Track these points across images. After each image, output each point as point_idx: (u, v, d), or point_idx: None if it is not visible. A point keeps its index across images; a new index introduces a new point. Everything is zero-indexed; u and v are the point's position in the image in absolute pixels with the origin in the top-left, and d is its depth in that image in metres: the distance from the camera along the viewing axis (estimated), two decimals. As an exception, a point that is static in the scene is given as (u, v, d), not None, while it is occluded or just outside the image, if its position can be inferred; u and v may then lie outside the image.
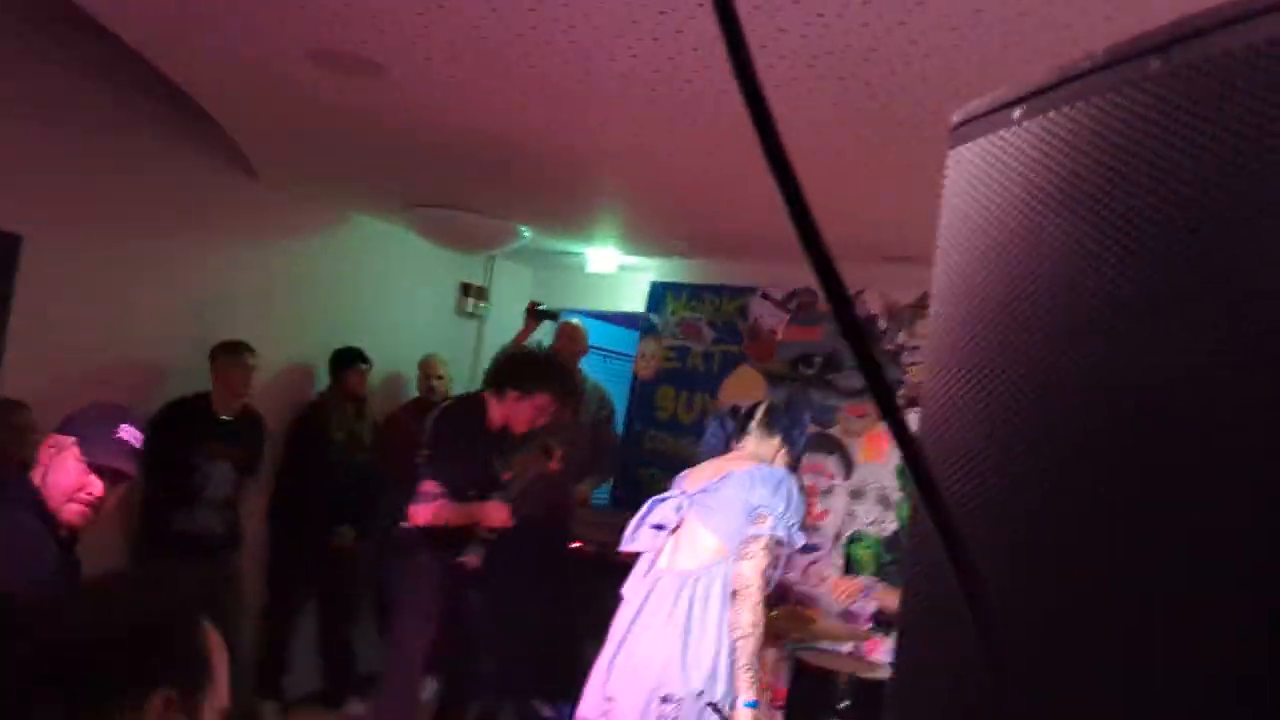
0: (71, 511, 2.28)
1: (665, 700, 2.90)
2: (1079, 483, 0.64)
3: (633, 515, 3.39)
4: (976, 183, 0.77)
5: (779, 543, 3.02)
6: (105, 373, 4.35)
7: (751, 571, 2.95)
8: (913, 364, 4.67)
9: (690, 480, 3.30)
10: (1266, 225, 0.56)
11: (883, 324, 4.82)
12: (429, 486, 3.78)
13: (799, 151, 3.07)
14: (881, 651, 4.34)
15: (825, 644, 4.13)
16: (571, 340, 5.54)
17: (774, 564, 3.04)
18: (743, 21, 0.46)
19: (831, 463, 4.85)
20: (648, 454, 5.57)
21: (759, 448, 3.28)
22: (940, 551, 0.54)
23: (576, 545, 4.94)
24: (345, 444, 5.16)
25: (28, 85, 3.93)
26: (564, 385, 4.06)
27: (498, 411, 3.99)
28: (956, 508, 0.72)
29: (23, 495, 2.25)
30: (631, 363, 5.94)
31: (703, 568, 3.03)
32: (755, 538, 2.98)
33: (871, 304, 4.87)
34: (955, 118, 0.81)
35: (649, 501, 3.37)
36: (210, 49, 3.01)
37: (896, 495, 4.62)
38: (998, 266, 0.75)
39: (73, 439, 2.30)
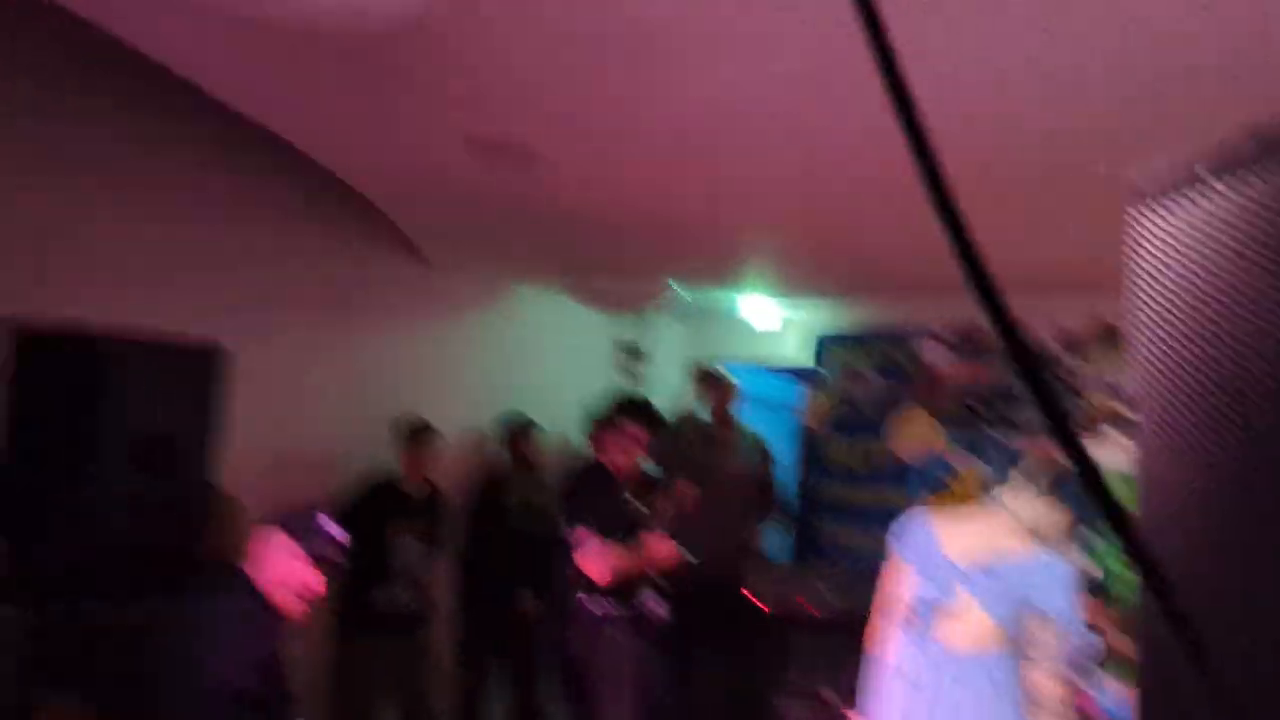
0: (285, 601, 2.46)
1: None
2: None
3: (814, 570, 3.29)
4: (1162, 243, 0.75)
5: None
6: (304, 457, 4.63)
7: (1051, 684, 2.72)
8: (1089, 392, 4.47)
9: (953, 544, 2.85)
10: None
11: (1060, 355, 4.64)
12: (581, 532, 3.88)
13: (966, 184, 3.01)
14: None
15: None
16: (711, 388, 5.45)
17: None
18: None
19: (1016, 503, 4.65)
20: (823, 505, 5.48)
21: (1038, 518, 2.75)
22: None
23: (757, 603, 4.88)
24: (522, 511, 5.28)
25: (216, 201, 4.29)
26: (637, 407, 4.40)
27: (606, 459, 4.22)
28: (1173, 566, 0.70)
29: (246, 585, 2.44)
30: (795, 413, 5.88)
31: (985, 654, 2.74)
32: (1046, 645, 2.70)
33: (1042, 332, 4.69)
34: (1138, 180, 0.79)
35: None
36: (374, 148, 3.22)
37: (1097, 542, 4.39)
38: (1198, 324, 0.72)
39: (284, 534, 2.48)
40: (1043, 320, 4.67)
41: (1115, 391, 4.38)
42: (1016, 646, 2.73)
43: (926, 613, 2.82)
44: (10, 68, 3.33)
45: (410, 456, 4.77)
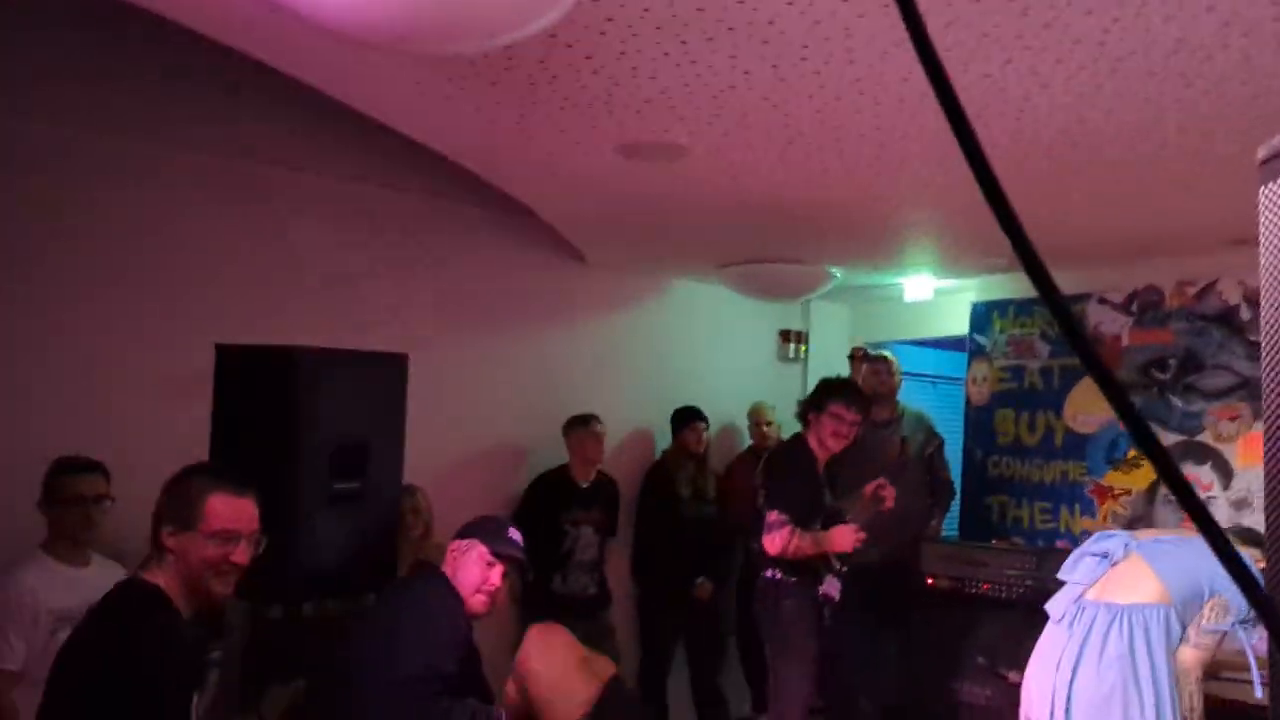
0: (477, 602, 2.72)
1: None
2: None
3: (983, 545, 3.31)
4: (1294, 218, 0.77)
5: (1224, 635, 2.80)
6: (480, 457, 4.90)
7: (1195, 662, 2.76)
8: None
9: (1140, 533, 3.16)
10: None
11: (1245, 313, 4.38)
12: (774, 516, 3.94)
13: (1119, 149, 2.91)
14: None
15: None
16: (874, 375, 5.37)
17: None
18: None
19: (1205, 472, 4.44)
20: (993, 481, 5.36)
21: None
22: None
23: (930, 581, 4.83)
24: (691, 499, 5.40)
25: (391, 219, 4.58)
26: (848, 391, 4.25)
27: (814, 441, 4.15)
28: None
29: (443, 583, 2.67)
30: (960, 387, 5.76)
31: (1138, 606, 2.82)
32: (1215, 632, 2.75)
33: (1228, 293, 4.44)
34: (1262, 153, 0.80)
35: (1095, 535, 3.23)
36: (529, 159, 3.37)
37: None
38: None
39: (475, 541, 2.70)
40: (1231, 280, 4.43)
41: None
42: (1181, 609, 2.76)
43: (1095, 567, 2.97)
44: (216, 113, 3.67)
45: (580, 449, 4.96)
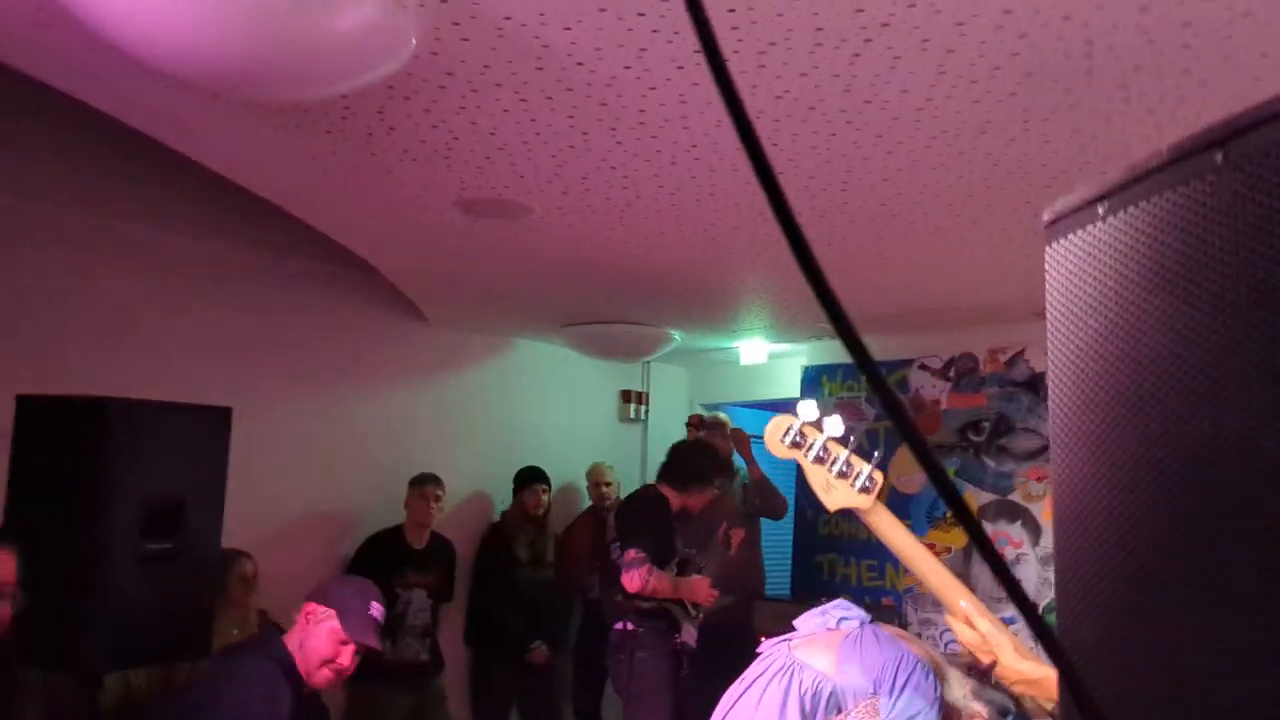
0: (321, 678, 2.58)
1: None
2: (1197, 558, 0.67)
3: (811, 604, 3.35)
4: (1072, 276, 0.83)
5: None
6: (312, 516, 4.71)
7: None
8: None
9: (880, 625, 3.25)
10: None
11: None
12: (632, 554, 4.06)
13: (939, 224, 3.09)
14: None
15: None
16: (713, 438, 5.56)
17: None
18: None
19: (1016, 530, 4.70)
20: (823, 540, 5.52)
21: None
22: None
23: (762, 638, 4.90)
24: (529, 562, 5.33)
25: (222, 269, 4.40)
26: (728, 470, 4.83)
27: (676, 500, 4.41)
28: (1091, 589, 0.76)
29: (278, 654, 2.52)
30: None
31: (808, 666, 2.83)
32: None
33: (1034, 360, 4.76)
34: (1046, 216, 0.87)
35: (839, 602, 3.24)
36: (369, 211, 3.32)
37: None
38: (1101, 355, 0.80)
39: (332, 612, 2.55)
40: (1038, 350, 4.75)
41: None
42: (839, 692, 2.78)
43: (816, 625, 3.10)
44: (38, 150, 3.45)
45: (415, 509, 4.83)
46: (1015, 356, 4.84)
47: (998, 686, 2.05)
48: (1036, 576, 4.60)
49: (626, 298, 4.59)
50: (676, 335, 5.32)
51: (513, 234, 3.49)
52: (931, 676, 2.48)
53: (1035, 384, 4.75)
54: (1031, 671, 1.41)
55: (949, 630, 4.87)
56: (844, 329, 0.52)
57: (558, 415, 6.04)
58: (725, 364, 6.26)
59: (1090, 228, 0.81)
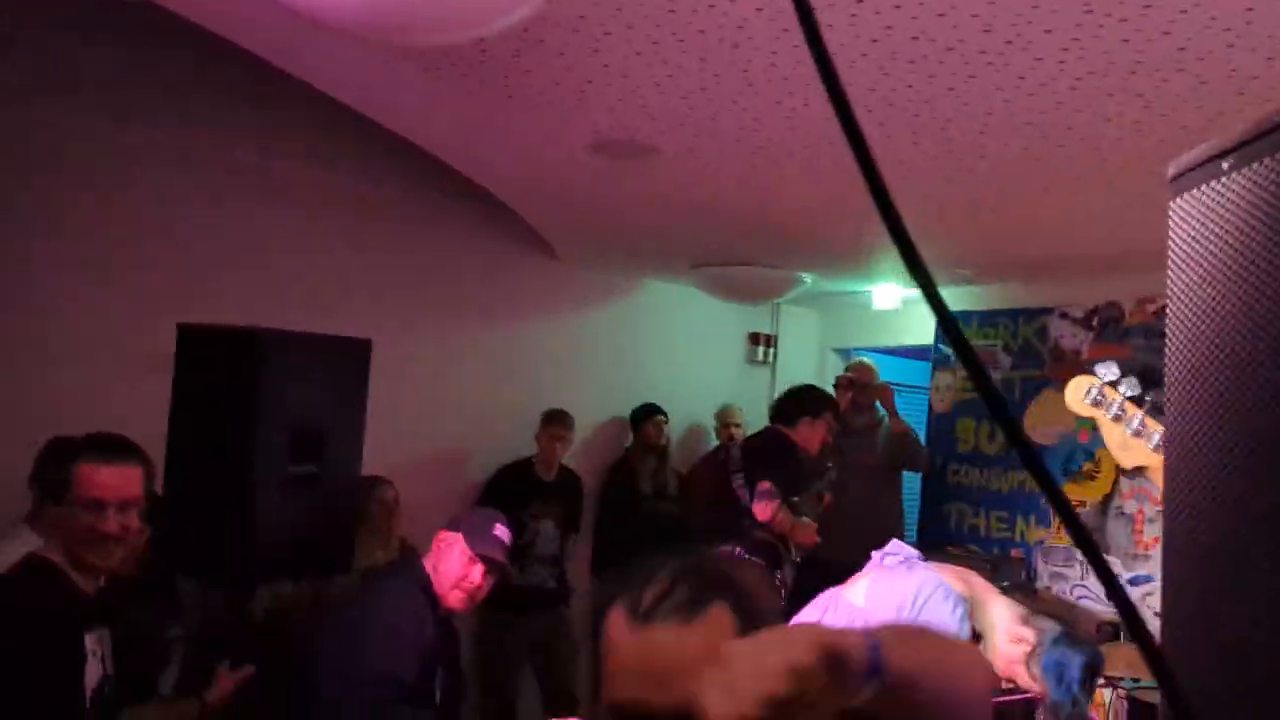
0: (455, 598, 2.73)
1: None
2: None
3: (937, 552, 3.36)
4: (1195, 233, 0.81)
5: None
6: (441, 447, 4.92)
7: None
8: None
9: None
10: None
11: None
12: (766, 485, 4.29)
13: (1083, 169, 2.97)
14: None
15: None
16: (859, 388, 5.57)
17: None
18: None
19: (1157, 487, 4.52)
20: (952, 488, 5.44)
21: None
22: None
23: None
24: (653, 495, 5.44)
25: (368, 206, 4.59)
26: (826, 400, 4.90)
27: (794, 438, 4.60)
28: (1201, 556, 0.76)
29: (418, 576, 2.68)
30: (923, 395, 5.84)
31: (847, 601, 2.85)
32: None
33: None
34: (1171, 170, 0.85)
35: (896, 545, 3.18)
36: (505, 152, 3.40)
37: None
38: (1229, 307, 0.78)
39: (460, 535, 2.70)
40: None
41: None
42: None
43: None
44: (189, 91, 3.66)
45: (545, 443, 4.99)
46: (1164, 307, 4.61)
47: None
48: (1176, 536, 4.43)
49: (755, 240, 4.57)
50: (807, 278, 5.27)
51: (643, 175, 3.51)
52: (951, 599, 2.48)
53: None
54: None
55: (1081, 585, 4.77)
56: (917, 270, 0.53)
57: (685, 355, 6.09)
58: (857, 308, 6.17)
59: (1215, 183, 0.79)
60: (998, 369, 5.29)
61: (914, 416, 6.12)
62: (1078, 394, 1.78)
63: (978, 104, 2.57)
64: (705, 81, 2.55)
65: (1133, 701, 3.75)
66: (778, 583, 4.25)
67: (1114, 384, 1.70)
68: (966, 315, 5.50)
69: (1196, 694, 0.80)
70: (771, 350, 6.52)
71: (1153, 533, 4.51)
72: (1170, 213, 0.85)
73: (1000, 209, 3.67)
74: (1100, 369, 1.71)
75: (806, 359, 6.70)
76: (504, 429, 5.12)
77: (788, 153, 3.10)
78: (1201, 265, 0.80)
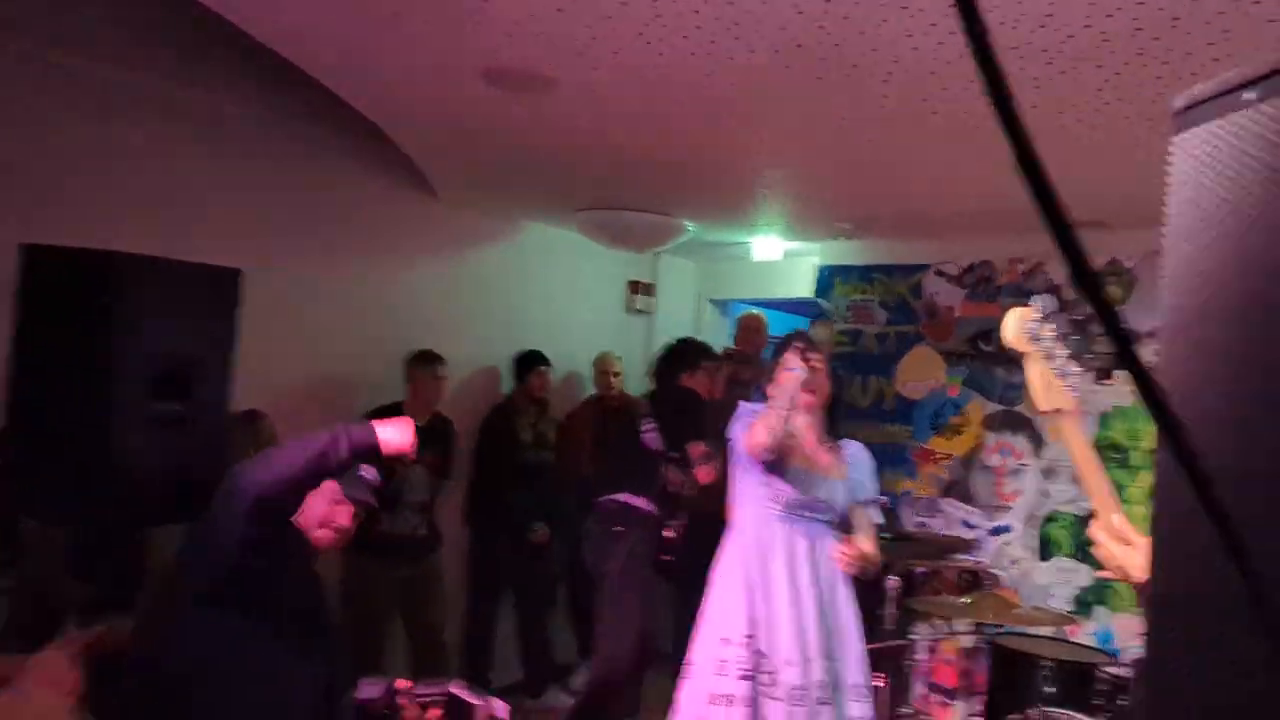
0: (321, 536, 2.55)
1: None
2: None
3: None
4: (1207, 169, 0.76)
5: None
6: (312, 386, 4.68)
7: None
8: (1103, 334, 4.47)
9: None
10: None
11: (1068, 294, 4.63)
12: (701, 449, 4.32)
13: (975, 123, 2.99)
14: (1084, 634, 4.19)
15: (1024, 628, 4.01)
16: (755, 332, 5.62)
17: None
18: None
19: (1020, 441, 4.70)
20: (826, 440, 5.53)
21: None
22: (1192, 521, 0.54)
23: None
24: (532, 444, 5.35)
25: (235, 132, 4.28)
26: (707, 350, 4.89)
27: (699, 390, 4.60)
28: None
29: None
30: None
31: None
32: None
33: (1054, 273, 4.69)
34: (1179, 102, 0.80)
35: None
36: (388, 74, 3.19)
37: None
38: (1235, 255, 0.73)
39: (331, 481, 2.54)
40: (1056, 262, 4.67)
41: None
42: None
43: None
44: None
45: (417, 387, 4.81)
46: (1035, 267, 4.77)
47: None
48: (1035, 488, 4.62)
49: (644, 185, 4.48)
50: (690, 227, 5.23)
51: (537, 109, 3.36)
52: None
53: (1054, 296, 4.68)
54: None
55: (944, 534, 4.89)
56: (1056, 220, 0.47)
57: (564, 302, 5.98)
58: (736, 259, 6.17)
59: (1234, 116, 0.74)
60: (874, 324, 5.39)
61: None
62: (1020, 325, 1.67)
63: (886, 49, 2.54)
64: (610, 9, 2.42)
65: (994, 647, 3.91)
66: (667, 534, 4.31)
67: (1047, 318, 1.66)
68: (846, 270, 5.57)
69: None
70: (651, 299, 6.47)
71: (1013, 486, 4.69)
72: (1175, 147, 0.80)
73: (884, 162, 3.68)
74: (1036, 302, 1.67)
75: (684, 309, 6.70)
76: (376, 370, 4.92)
77: (690, 92, 3.01)
78: (1212, 204, 0.75)
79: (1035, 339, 1.65)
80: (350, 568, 4.56)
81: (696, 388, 4.60)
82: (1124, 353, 0.50)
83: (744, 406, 3.32)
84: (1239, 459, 0.72)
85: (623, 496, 4.34)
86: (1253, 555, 0.57)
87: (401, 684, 2.73)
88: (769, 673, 3.01)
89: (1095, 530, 1.56)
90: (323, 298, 4.73)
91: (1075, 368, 1.63)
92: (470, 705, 2.89)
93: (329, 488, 2.59)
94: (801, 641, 3.02)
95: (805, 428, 3.30)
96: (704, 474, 4.31)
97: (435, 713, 2.73)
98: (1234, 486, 0.72)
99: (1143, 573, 1.47)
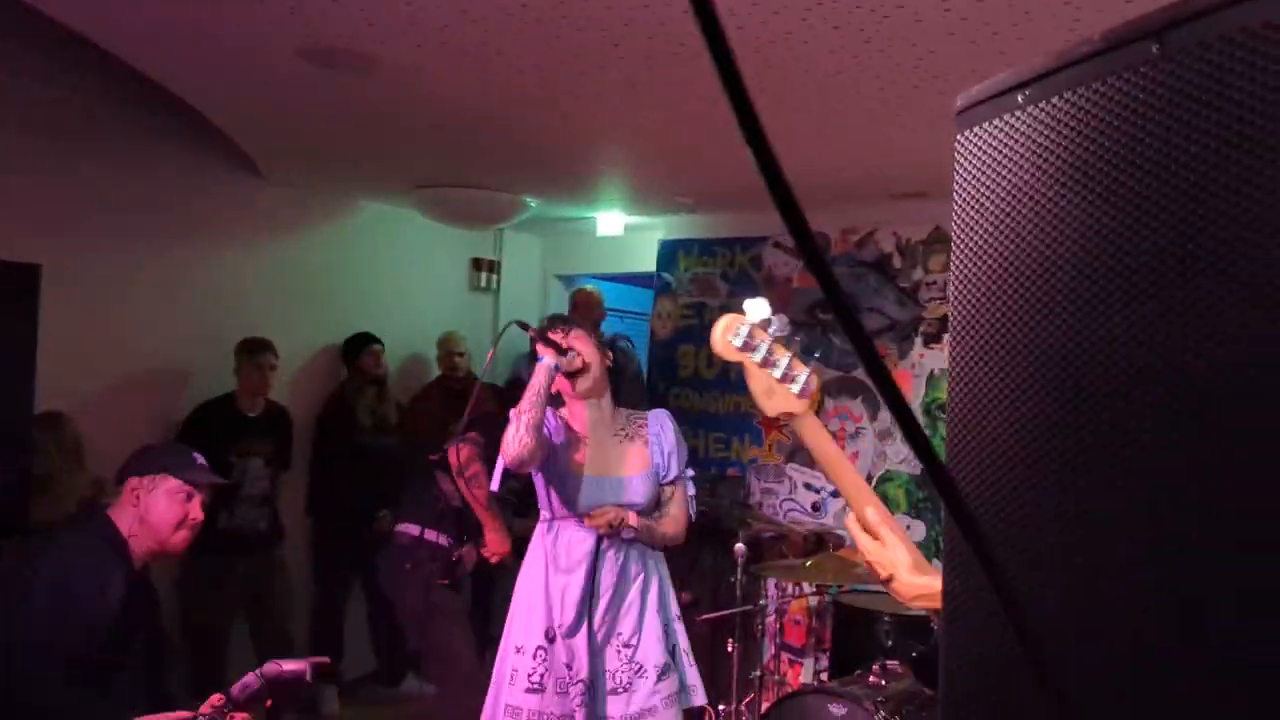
0: (180, 539, 2.42)
1: None
2: (1107, 465, 0.66)
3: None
4: (985, 167, 0.79)
5: None
6: (136, 382, 4.44)
7: None
8: (931, 299, 4.67)
9: None
10: (1264, 199, 0.57)
11: (897, 262, 4.82)
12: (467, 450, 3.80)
13: (805, 96, 3.05)
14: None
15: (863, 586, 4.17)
16: (587, 306, 5.60)
17: None
18: None
19: (857, 405, 4.88)
20: (673, 413, 5.58)
21: None
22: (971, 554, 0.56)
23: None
24: (372, 428, 5.21)
25: (34, 114, 3.97)
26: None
27: None
28: (979, 494, 0.75)
29: (103, 532, 2.34)
30: (645, 321, 5.96)
31: None
32: None
33: (884, 242, 4.86)
34: (959, 102, 0.82)
35: None
36: (202, 54, 3.02)
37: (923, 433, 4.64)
38: (1012, 248, 0.77)
39: (162, 475, 2.39)
40: (887, 231, 4.84)
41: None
42: None
43: None
44: None
45: (247, 375, 4.62)
46: (866, 237, 4.93)
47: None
48: (873, 450, 4.81)
49: (481, 161, 4.40)
50: (532, 203, 5.18)
51: (361, 88, 3.25)
52: None
53: (883, 265, 4.86)
54: (928, 586, 1.41)
55: (789, 499, 5.05)
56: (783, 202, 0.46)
57: (405, 282, 5.84)
58: (581, 234, 6.15)
59: (1008, 117, 0.77)
60: (717, 296, 5.47)
61: (637, 342, 6.24)
62: (726, 335, 1.57)
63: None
64: (427, -15, 2.36)
65: (837, 605, 4.06)
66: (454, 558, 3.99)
67: (764, 324, 1.56)
68: (688, 243, 5.63)
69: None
70: (495, 277, 6.39)
71: (853, 448, 4.86)
72: (956, 147, 0.82)
73: (716, 138, 3.72)
74: (750, 306, 1.57)
75: (530, 286, 6.64)
76: (204, 361, 4.69)
77: (519, 70, 2.96)
78: (989, 202, 0.78)
79: (747, 346, 1.58)
80: (188, 569, 4.36)
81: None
82: (861, 347, 0.50)
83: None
84: (1020, 445, 0.75)
85: (413, 528, 4.01)
86: (1029, 619, 0.59)
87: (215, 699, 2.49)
88: (564, 679, 2.87)
89: (849, 523, 1.54)
90: (136, 287, 4.47)
91: (801, 369, 1.57)
92: (291, 673, 2.73)
93: (171, 488, 2.44)
94: (591, 643, 2.88)
95: (583, 418, 3.00)
96: (495, 542, 3.88)
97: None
98: (1021, 487, 0.75)
99: (888, 570, 1.47)
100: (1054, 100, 0.72)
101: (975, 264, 0.80)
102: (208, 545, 4.30)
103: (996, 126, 0.78)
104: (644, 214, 5.60)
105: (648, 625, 2.98)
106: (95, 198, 4.25)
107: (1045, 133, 0.73)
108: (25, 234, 3.67)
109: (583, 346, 2.96)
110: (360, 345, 5.25)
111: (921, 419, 4.65)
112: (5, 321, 2.35)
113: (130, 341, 4.42)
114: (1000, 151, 0.77)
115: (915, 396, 4.67)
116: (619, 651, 2.94)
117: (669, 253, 5.72)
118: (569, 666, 2.88)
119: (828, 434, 1.58)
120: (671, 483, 3.12)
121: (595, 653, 2.90)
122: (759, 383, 1.57)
